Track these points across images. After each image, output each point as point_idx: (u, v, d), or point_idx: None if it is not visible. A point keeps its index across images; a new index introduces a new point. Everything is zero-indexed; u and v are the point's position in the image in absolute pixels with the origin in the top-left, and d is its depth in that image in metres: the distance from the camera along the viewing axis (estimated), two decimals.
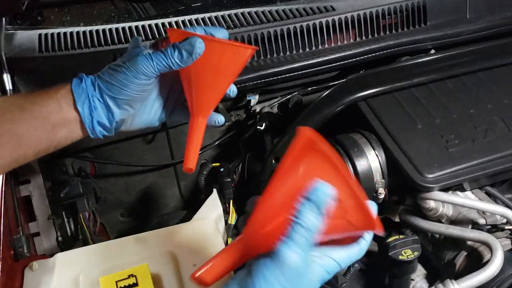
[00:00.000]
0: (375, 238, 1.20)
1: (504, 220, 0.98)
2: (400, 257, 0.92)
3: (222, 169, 1.12)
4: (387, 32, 1.30)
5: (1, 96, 1.08)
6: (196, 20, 1.27)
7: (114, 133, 0.81)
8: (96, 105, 0.77)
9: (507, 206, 1.02)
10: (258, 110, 1.34)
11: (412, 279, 1.05)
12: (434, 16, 1.32)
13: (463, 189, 1.02)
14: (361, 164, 1.01)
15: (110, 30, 1.24)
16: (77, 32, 1.23)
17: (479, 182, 1.04)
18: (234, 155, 1.35)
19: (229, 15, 1.28)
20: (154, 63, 0.75)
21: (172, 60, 0.75)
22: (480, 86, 1.12)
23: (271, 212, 0.64)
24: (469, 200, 0.98)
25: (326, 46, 1.27)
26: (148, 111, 0.83)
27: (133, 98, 0.78)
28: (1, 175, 1.00)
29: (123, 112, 0.79)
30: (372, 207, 0.64)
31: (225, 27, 1.25)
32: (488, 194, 1.06)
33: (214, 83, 0.79)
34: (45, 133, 0.76)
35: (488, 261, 0.89)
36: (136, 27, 1.25)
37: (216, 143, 1.40)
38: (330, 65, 1.25)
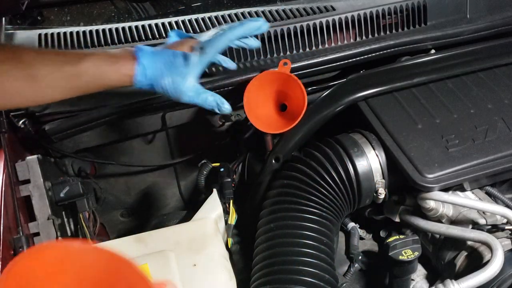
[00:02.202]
0: (375, 238, 1.21)
1: (504, 220, 0.98)
2: (400, 257, 0.92)
3: (222, 169, 1.12)
4: (387, 32, 1.30)
5: None
6: (196, 20, 1.27)
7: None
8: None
9: (507, 206, 1.02)
10: None
11: (412, 279, 1.05)
12: (434, 16, 1.32)
13: (463, 189, 1.02)
14: (361, 164, 1.01)
15: (110, 30, 1.24)
16: (77, 32, 1.23)
17: (479, 182, 1.04)
18: (234, 155, 1.35)
19: (229, 15, 1.28)
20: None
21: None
22: (480, 86, 1.12)
23: None
24: (469, 200, 0.98)
25: (326, 46, 1.27)
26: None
27: None
28: (1, 175, 1.00)
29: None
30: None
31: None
32: (488, 194, 1.06)
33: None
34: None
35: (488, 261, 0.89)
36: (136, 27, 1.25)
37: (216, 143, 1.40)
38: (330, 65, 1.25)
